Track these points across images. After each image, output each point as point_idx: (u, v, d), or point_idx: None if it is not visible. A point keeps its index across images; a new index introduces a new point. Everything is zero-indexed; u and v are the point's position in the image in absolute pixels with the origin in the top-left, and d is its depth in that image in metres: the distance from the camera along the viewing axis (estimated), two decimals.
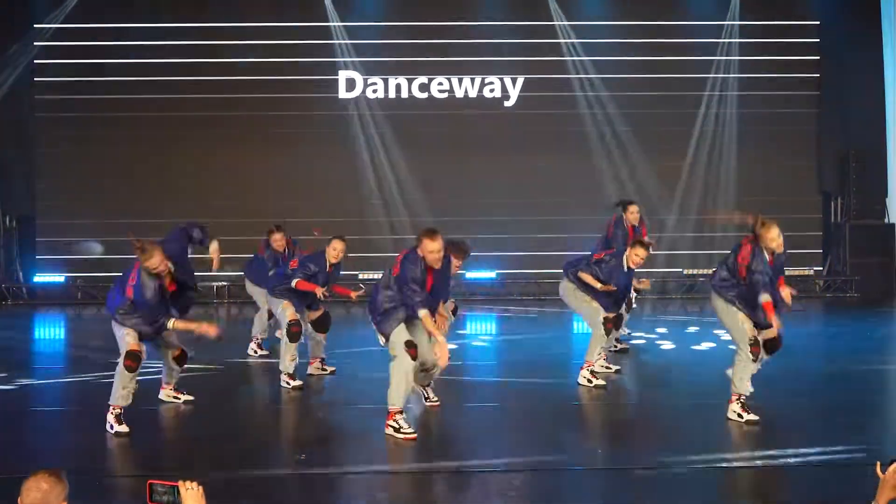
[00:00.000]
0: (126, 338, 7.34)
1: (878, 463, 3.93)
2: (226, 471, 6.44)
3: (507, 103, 16.56)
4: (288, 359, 8.96)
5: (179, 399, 8.27)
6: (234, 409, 8.55)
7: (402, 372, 7.20)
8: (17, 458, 6.65)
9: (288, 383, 8.95)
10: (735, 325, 7.61)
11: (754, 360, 7.49)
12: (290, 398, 8.81)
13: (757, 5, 16.35)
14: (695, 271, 15.96)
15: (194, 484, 3.49)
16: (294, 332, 8.94)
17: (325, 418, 8.25)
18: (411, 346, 7.15)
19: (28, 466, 3.66)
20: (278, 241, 10.44)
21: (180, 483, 3.48)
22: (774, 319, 7.30)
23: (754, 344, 7.49)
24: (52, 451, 6.97)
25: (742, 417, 7.57)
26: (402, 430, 7.15)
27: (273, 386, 9.12)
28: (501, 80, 16.55)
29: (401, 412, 7.22)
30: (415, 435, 7.12)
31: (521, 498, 5.92)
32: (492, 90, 16.58)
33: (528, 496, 5.94)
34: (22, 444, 7.20)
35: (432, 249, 6.98)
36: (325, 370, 9.56)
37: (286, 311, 9.02)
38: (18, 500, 3.46)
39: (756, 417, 7.53)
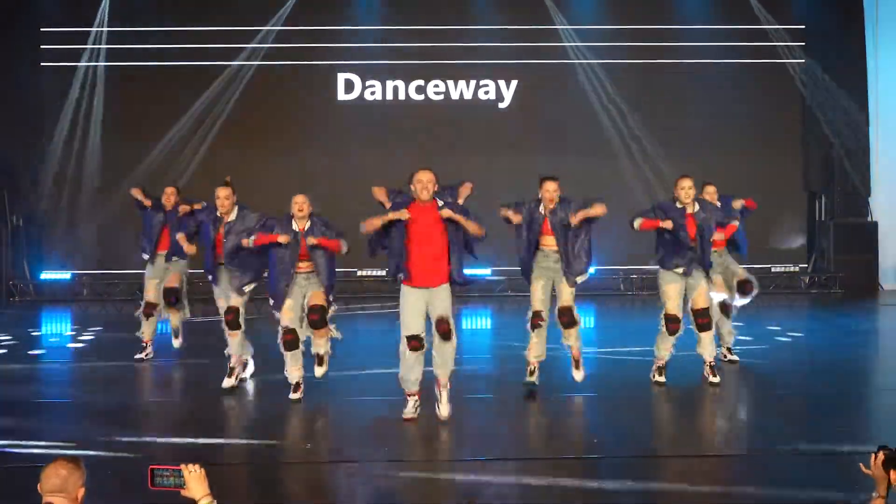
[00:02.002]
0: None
1: (861, 465, 4.07)
2: (231, 459, 6.71)
3: (501, 105, 16.91)
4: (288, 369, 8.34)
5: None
6: (239, 400, 8.73)
7: (401, 352, 7.58)
8: (33, 448, 6.82)
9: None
10: (662, 297, 8.63)
11: (670, 335, 8.48)
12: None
13: (743, 7, 16.61)
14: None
15: (196, 466, 3.62)
16: (287, 341, 8.20)
17: (332, 409, 8.37)
18: (412, 340, 7.50)
19: (45, 455, 3.89)
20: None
21: (183, 466, 3.60)
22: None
23: (670, 321, 8.49)
24: (62, 443, 7.02)
25: (653, 378, 8.71)
26: (405, 411, 7.60)
27: (279, 377, 9.36)
28: (496, 82, 16.90)
29: (412, 395, 7.60)
30: (410, 417, 7.55)
31: (522, 487, 6.10)
32: (486, 92, 16.92)
33: (529, 486, 6.12)
34: (37, 436, 7.31)
35: (420, 179, 7.68)
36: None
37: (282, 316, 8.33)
38: (38, 486, 3.62)
39: (662, 380, 8.57)
